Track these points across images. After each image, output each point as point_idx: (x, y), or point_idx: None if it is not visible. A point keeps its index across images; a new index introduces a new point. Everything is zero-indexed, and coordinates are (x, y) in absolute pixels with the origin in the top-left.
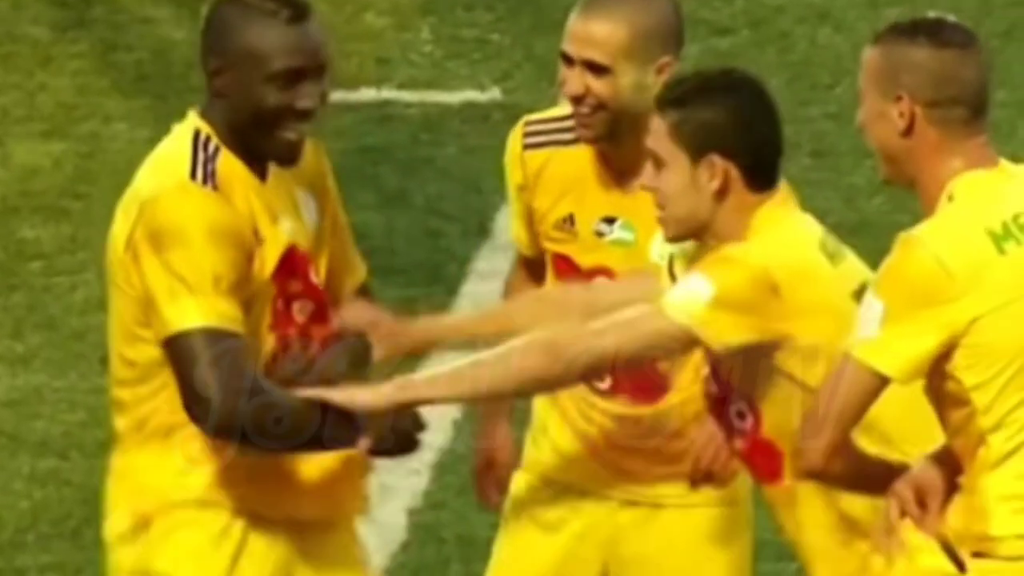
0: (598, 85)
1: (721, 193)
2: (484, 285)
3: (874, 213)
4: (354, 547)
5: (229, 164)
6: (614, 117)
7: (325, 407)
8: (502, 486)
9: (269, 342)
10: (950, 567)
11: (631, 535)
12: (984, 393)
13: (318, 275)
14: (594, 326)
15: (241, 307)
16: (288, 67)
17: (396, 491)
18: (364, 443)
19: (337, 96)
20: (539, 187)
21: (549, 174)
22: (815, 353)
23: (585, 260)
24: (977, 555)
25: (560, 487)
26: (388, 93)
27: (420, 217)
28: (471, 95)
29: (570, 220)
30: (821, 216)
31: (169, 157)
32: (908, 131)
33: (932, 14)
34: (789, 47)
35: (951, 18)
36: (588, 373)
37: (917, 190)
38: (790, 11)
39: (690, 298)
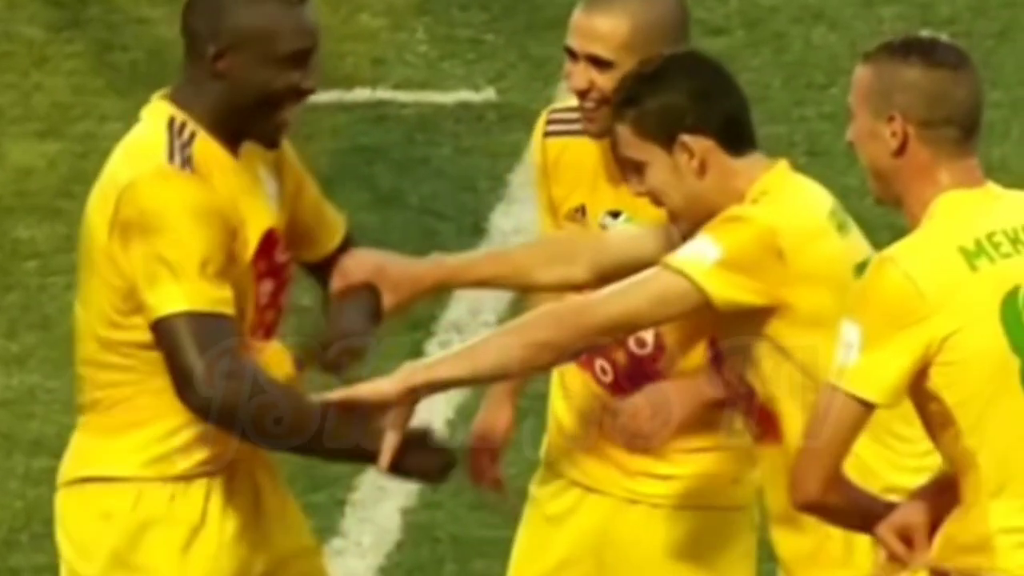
0: (602, 79)
1: (703, 168)
2: None
3: (868, 213)
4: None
5: (206, 148)
6: None
7: (327, 411)
8: (495, 457)
9: (250, 322)
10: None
11: (630, 533)
12: (966, 412)
13: (283, 253)
14: (601, 292)
15: (231, 288)
16: (298, 48)
17: (391, 491)
18: (384, 459)
19: (332, 96)
20: (557, 175)
21: (565, 162)
22: (810, 323)
23: None
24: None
25: (568, 481)
26: (383, 93)
27: (415, 217)
28: (466, 95)
29: (582, 211)
30: None
31: (143, 143)
32: (900, 151)
33: (926, 32)
34: (784, 47)
35: (944, 37)
36: (597, 337)
37: (903, 209)
38: (785, 11)
39: (696, 256)
